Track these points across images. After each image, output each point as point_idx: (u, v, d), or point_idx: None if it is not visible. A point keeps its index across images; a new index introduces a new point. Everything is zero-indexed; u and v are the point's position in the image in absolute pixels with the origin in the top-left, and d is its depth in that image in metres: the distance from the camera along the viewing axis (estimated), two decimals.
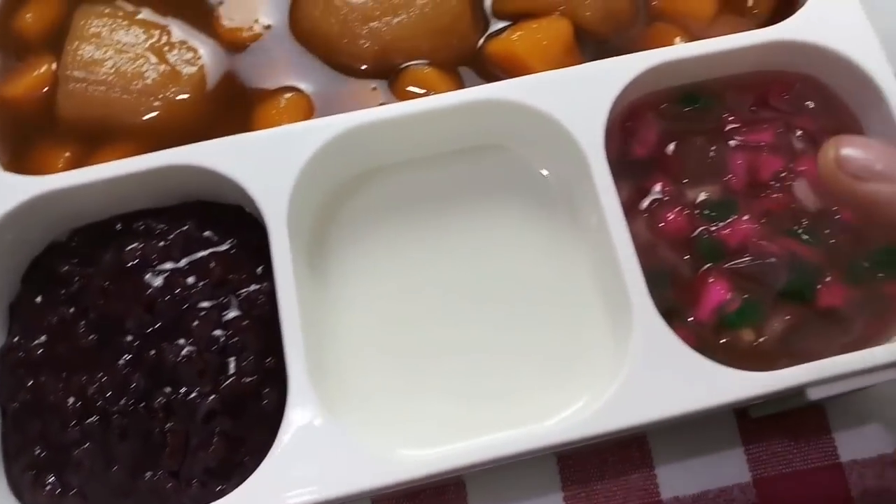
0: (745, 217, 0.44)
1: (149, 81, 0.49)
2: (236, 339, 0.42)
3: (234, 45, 0.51)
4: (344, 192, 0.47)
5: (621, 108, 0.46)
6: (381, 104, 0.48)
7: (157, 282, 0.44)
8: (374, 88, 0.50)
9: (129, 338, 0.43)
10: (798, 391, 0.40)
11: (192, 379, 0.42)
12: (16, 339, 0.44)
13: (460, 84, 0.50)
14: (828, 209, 0.45)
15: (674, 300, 0.43)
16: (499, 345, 0.44)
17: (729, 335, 0.43)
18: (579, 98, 0.44)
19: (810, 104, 0.48)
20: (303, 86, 0.50)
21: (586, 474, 0.47)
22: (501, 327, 0.44)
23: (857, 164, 0.33)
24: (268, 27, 0.52)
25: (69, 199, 0.44)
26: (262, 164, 0.43)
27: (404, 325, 0.45)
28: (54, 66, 0.51)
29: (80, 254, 0.45)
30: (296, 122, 0.46)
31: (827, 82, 0.48)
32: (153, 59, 0.50)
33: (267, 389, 0.42)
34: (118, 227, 0.46)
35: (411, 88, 0.49)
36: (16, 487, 0.42)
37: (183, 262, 0.44)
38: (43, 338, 0.43)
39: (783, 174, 0.45)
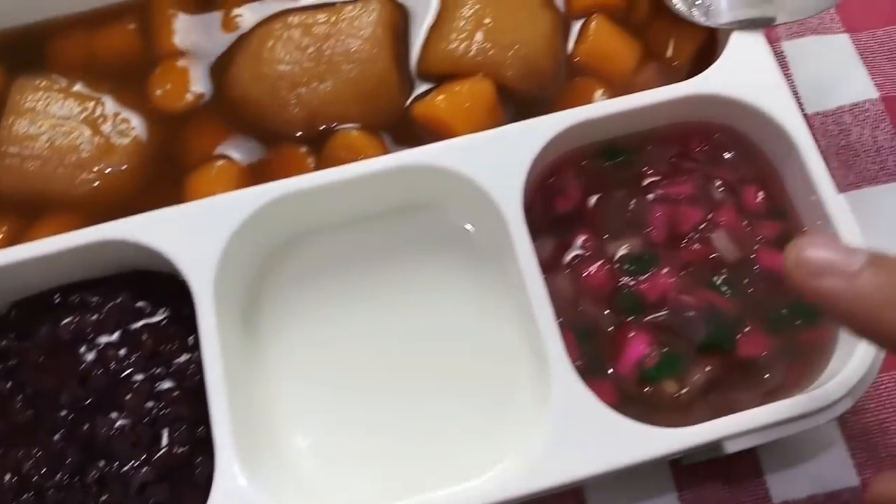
0: (665, 270, 0.45)
1: (83, 154, 0.50)
2: (168, 410, 0.43)
3: (166, 114, 0.52)
4: (276, 257, 0.48)
5: (542, 165, 0.47)
6: (312, 170, 0.49)
7: (91, 355, 0.44)
8: (306, 153, 0.51)
9: (64, 412, 0.43)
10: (715, 445, 0.41)
11: (126, 451, 0.42)
12: None
13: (387, 146, 0.50)
14: (747, 258, 0.46)
15: (597, 354, 0.44)
16: (430, 404, 0.45)
17: (652, 386, 0.43)
18: (498, 160, 0.45)
19: (729, 155, 0.48)
20: (234, 153, 0.51)
21: None
22: (433, 385, 0.45)
23: (815, 264, 0.33)
24: (200, 95, 0.53)
25: (7, 276, 0.45)
26: (188, 235, 0.44)
27: (337, 387, 0.45)
28: None
29: (18, 328, 0.46)
30: (227, 190, 0.46)
31: (745, 133, 0.48)
32: (87, 131, 0.51)
33: (199, 458, 0.42)
34: (56, 299, 0.46)
35: (340, 153, 0.50)
36: None
37: (116, 336, 0.45)
38: None
39: (702, 226, 0.46)
